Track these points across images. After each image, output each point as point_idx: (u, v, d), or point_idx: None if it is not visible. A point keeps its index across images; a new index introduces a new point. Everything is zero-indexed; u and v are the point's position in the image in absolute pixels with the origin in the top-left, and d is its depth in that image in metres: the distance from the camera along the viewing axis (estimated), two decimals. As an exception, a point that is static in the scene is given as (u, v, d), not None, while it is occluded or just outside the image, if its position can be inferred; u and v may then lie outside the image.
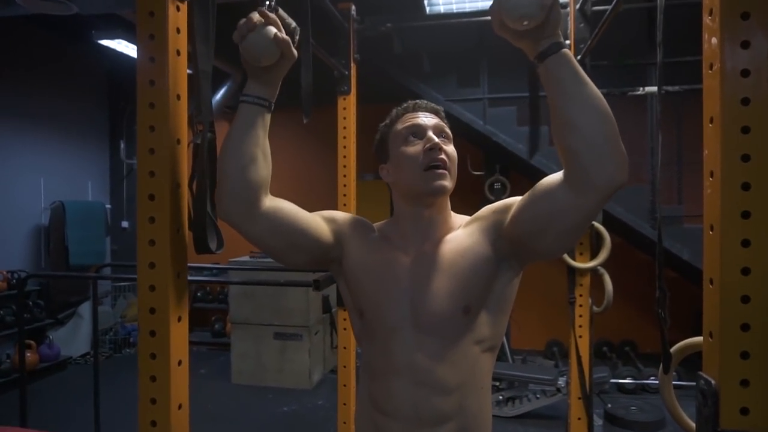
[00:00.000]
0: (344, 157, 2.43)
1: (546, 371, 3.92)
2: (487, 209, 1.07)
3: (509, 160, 4.44)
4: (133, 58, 4.76)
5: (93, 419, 2.96)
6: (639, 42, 3.18)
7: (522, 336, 4.94)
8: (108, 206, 5.97)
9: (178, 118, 1.02)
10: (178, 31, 1.02)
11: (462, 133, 4.62)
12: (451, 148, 1.06)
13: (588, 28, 2.16)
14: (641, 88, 2.33)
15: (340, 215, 1.15)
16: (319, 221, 1.10)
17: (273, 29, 0.96)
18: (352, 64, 2.45)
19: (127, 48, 4.45)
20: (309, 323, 4.35)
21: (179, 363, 1.04)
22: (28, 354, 4.32)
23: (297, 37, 1.80)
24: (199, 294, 6.01)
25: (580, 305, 2.26)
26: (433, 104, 1.11)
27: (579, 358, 2.26)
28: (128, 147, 6.08)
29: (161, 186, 1.00)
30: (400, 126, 1.09)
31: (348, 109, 2.43)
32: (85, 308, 5.26)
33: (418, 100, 1.12)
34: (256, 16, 0.95)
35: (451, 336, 1.01)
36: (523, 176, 4.59)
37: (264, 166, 1.02)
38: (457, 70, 4.18)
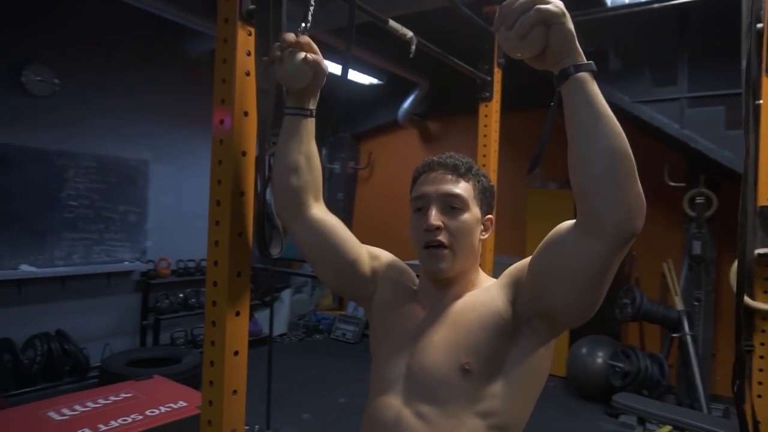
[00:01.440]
0: (483, 166, 2.35)
1: (750, 430, 3.18)
2: (513, 266, 0.95)
3: (719, 169, 3.73)
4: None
5: (266, 390, 3.41)
6: None
7: (727, 381, 4.08)
8: (311, 206, 6.75)
9: (244, 132, 1.13)
10: (249, 53, 1.13)
11: (659, 138, 4.04)
12: (459, 220, 0.96)
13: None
14: None
15: (385, 255, 1.14)
16: (361, 251, 1.09)
17: (302, 54, 1.00)
18: (496, 70, 2.35)
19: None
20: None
21: (235, 353, 1.15)
22: (237, 327, 5.16)
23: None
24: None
25: (761, 357, 1.80)
26: (456, 159, 1.01)
27: (756, 423, 1.79)
28: (330, 153, 6.79)
29: (226, 193, 1.12)
30: (413, 192, 1.03)
31: (490, 116, 2.35)
32: (286, 294, 6.05)
33: (437, 157, 1.03)
34: (289, 38, 0.99)
35: (444, 398, 0.88)
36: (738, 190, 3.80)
37: (306, 171, 1.07)
38: (649, 66, 3.66)
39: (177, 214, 4.98)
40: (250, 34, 1.13)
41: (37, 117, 4.08)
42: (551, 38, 0.73)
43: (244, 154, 1.13)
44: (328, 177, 6.93)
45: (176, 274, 4.96)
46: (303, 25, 1.07)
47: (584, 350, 4.23)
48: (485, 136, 2.35)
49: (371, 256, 1.11)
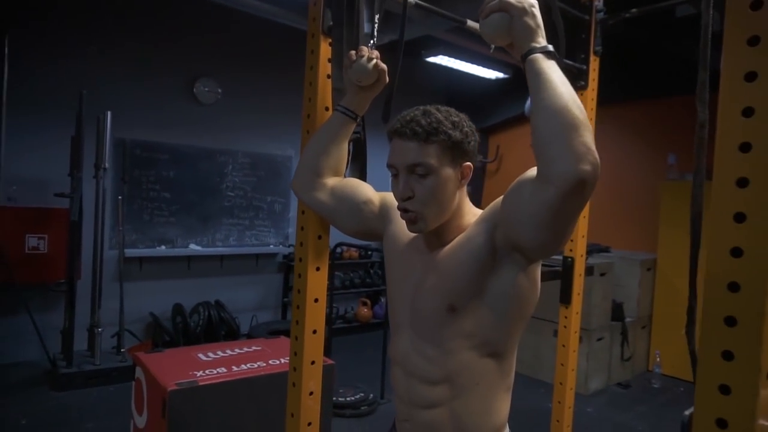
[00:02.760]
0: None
1: None
2: (491, 205, 1.04)
3: None
4: (455, 70, 5.49)
5: (381, 368, 3.74)
6: None
7: None
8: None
9: (322, 122, 1.41)
10: (329, 60, 1.41)
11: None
12: (426, 186, 1.02)
13: None
14: None
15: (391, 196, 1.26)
16: (372, 194, 1.27)
17: (375, 60, 1.24)
18: (592, 58, 2.37)
19: (449, 62, 5.16)
20: (589, 327, 4.18)
21: (315, 300, 1.43)
22: (365, 309, 5.60)
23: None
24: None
25: None
26: (418, 124, 1.02)
27: None
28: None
29: (309, 172, 1.41)
30: (388, 158, 1.08)
31: (585, 104, 2.36)
32: (412, 282, 6.37)
33: (402, 122, 1.05)
34: (364, 49, 1.24)
35: (439, 338, 1.05)
36: None
37: (333, 158, 1.29)
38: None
39: (314, 205, 5.52)
40: (330, 45, 1.40)
41: (204, 121, 4.89)
42: (513, 29, 0.92)
43: (323, 141, 1.41)
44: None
45: (312, 258, 5.53)
46: (372, 41, 1.32)
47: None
48: (581, 124, 2.38)
49: (381, 197, 1.27)
